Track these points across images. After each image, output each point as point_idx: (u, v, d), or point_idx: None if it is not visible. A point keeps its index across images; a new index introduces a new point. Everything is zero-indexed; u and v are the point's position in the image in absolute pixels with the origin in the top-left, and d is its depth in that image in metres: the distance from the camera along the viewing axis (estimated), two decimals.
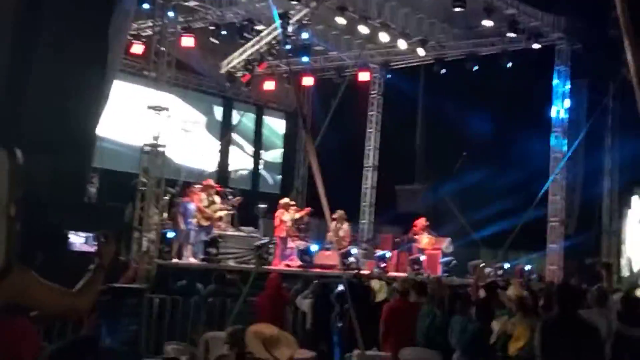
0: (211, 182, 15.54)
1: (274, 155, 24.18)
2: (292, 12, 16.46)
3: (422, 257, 17.80)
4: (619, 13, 4.73)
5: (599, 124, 18.62)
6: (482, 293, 9.35)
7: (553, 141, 17.96)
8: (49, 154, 7.34)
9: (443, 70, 19.00)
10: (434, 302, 8.63)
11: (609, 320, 7.74)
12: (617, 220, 19.66)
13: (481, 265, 15.51)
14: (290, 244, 16.51)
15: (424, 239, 17.97)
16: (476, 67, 18.36)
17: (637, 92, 4.55)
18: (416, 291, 8.72)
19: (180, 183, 16.09)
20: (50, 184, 7.37)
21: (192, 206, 14.51)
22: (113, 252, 3.40)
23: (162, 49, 13.47)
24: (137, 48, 16.99)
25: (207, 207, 14.66)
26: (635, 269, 20.12)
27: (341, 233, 17.20)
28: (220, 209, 15.12)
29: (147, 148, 13.10)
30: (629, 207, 20.67)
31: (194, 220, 14.49)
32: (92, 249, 4.28)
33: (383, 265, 16.95)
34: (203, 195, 14.79)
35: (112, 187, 15.48)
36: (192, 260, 14.23)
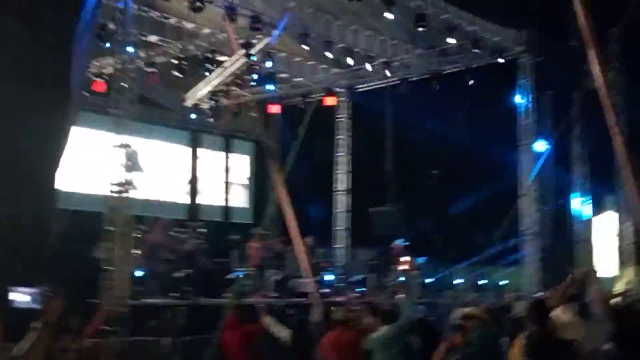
0: (165, 219, 15.54)
1: (244, 184, 23.95)
2: (254, 41, 16.39)
3: (401, 279, 17.66)
4: (581, 25, 4.68)
5: (566, 135, 18.76)
6: None
7: (521, 155, 18.00)
8: (7, 201, 7.07)
9: (409, 91, 18.98)
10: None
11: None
12: (588, 229, 19.70)
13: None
14: (266, 274, 16.28)
15: (405, 261, 17.90)
16: (440, 87, 18.36)
17: (604, 101, 4.49)
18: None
19: (150, 220, 15.82)
20: (9, 233, 7.07)
21: (157, 243, 14.39)
22: (60, 307, 3.20)
23: (124, 85, 13.27)
24: (99, 86, 16.85)
25: (168, 242, 14.60)
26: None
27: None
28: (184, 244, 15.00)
29: (114, 187, 12.84)
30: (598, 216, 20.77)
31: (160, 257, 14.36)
32: (37, 306, 4.07)
33: (361, 289, 16.76)
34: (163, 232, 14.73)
35: (80, 228, 15.12)
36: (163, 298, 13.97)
